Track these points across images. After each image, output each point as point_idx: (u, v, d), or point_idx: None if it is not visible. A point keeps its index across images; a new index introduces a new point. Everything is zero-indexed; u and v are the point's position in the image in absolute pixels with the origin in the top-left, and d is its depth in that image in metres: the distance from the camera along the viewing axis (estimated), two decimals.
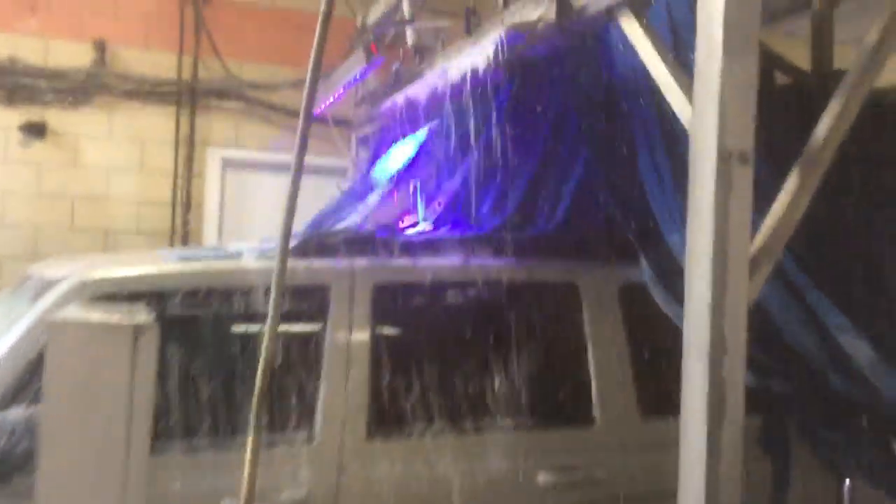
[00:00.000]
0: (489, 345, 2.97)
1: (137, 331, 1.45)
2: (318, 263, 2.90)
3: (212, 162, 6.77)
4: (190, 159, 6.67)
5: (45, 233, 6.32)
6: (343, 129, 5.70)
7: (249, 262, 2.90)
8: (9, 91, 6.25)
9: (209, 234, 6.70)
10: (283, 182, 6.94)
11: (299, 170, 1.88)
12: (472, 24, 3.34)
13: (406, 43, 4.08)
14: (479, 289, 3.03)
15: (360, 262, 2.96)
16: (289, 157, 7.01)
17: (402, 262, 3.04)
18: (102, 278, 2.70)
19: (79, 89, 6.41)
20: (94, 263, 3.02)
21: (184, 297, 2.69)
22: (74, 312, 1.55)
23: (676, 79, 2.33)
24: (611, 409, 3.06)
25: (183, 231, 6.64)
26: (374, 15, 4.92)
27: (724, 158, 2.07)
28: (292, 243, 2.59)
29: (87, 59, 6.42)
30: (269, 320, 2.12)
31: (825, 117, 2.28)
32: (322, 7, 1.85)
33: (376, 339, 2.87)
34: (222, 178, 6.83)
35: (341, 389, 2.77)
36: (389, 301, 2.95)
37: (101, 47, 6.42)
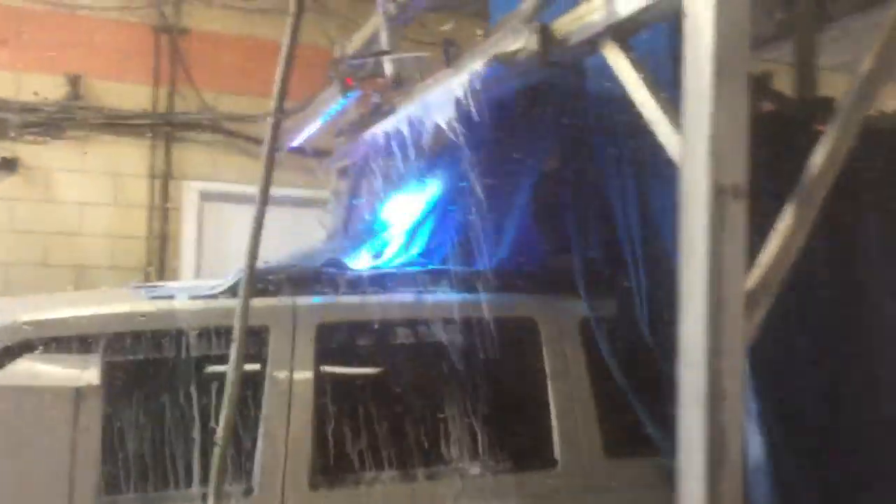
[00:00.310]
0: (442, 385, 2.80)
1: (80, 394, 1.33)
2: (257, 303, 2.67)
3: (188, 195, 6.64)
4: (166, 193, 6.54)
5: (17, 270, 6.16)
6: (323, 161, 5.58)
7: (180, 303, 2.72)
8: None
9: (186, 269, 6.56)
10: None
11: (264, 204, 1.77)
12: (451, 56, 3.25)
13: (385, 74, 3.99)
14: (431, 326, 2.86)
15: (303, 301, 2.79)
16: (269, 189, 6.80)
17: (350, 299, 2.87)
18: (28, 321, 2.52)
19: (51, 123, 6.29)
20: (29, 304, 2.86)
21: (109, 342, 2.49)
22: (11, 375, 1.43)
23: (664, 110, 2.24)
24: (574, 450, 2.88)
25: (159, 266, 6.50)
26: (353, 45, 4.84)
27: (718, 193, 1.97)
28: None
29: (61, 92, 6.31)
30: (231, 364, 1.97)
31: (820, 149, 2.20)
32: (285, 41, 1.73)
33: (320, 382, 2.68)
34: (200, 212, 6.71)
35: (281, 437, 2.58)
36: (335, 341, 2.78)
37: (74, 80, 6.31)
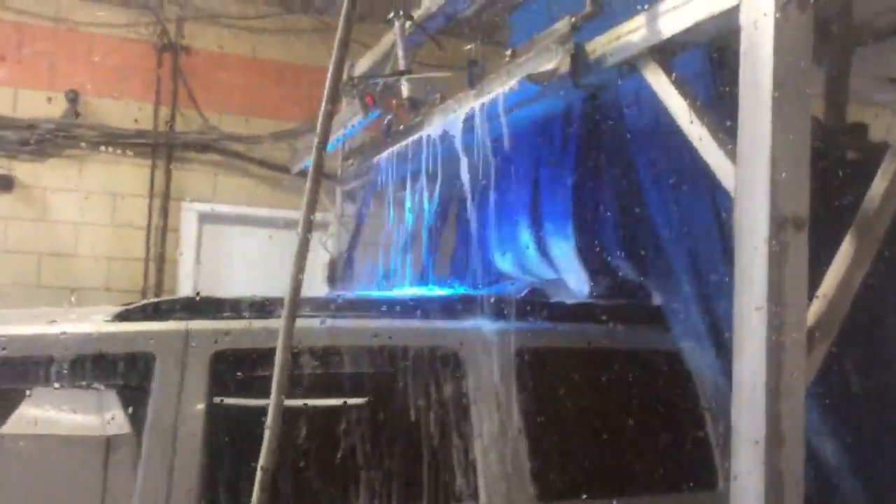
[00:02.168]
0: (353, 419, 2.53)
1: (112, 443, 1.18)
2: (143, 328, 2.46)
3: (188, 216, 6.49)
4: (165, 214, 6.39)
5: (10, 290, 5.98)
6: (328, 183, 5.45)
7: (62, 327, 2.46)
8: None
9: (184, 292, 6.39)
10: (262, 236, 6.66)
11: (308, 226, 1.63)
12: (475, 76, 3.14)
13: (399, 95, 3.88)
14: (340, 354, 2.61)
15: (197, 326, 2.53)
16: (267, 211, 6.70)
17: (252, 325, 2.60)
18: None
19: (48, 141, 6.13)
20: None
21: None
22: (33, 420, 1.27)
23: (714, 135, 2.12)
24: (500, 491, 2.61)
25: (156, 288, 6.33)
26: (363, 65, 4.74)
27: (779, 224, 1.86)
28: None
29: (59, 109, 6.16)
30: (273, 391, 1.79)
31: (877, 182, 2.09)
32: (333, 57, 1.61)
33: (212, 416, 2.41)
34: (199, 233, 6.55)
35: (164, 475, 2.28)
36: (232, 370, 2.51)
37: (73, 97, 6.16)
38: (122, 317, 2.49)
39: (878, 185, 2.07)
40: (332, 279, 5.37)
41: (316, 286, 5.37)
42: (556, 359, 2.80)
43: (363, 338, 2.62)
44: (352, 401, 2.51)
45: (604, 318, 2.90)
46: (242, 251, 6.55)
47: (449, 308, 2.84)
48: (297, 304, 1.60)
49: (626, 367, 2.86)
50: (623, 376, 2.84)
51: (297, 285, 1.56)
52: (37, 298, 5.99)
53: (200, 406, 2.39)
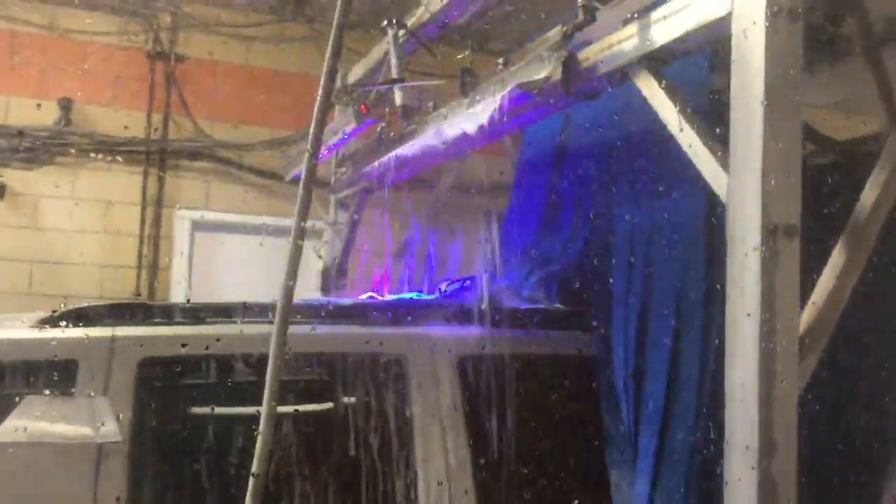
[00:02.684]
0: (286, 431, 2.43)
1: (103, 450, 1.16)
2: (66, 335, 2.37)
3: (180, 224, 6.47)
4: (157, 221, 6.37)
5: (1, 299, 5.95)
6: (321, 191, 5.45)
7: None
8: None
9: (176, 299, 6.37)
10: (255, 244, 6.64)
11: (301, 231, 1.62)
12: (467, 84, 3.15)
13: (392, 103, 3.88)
14: (250, 361, 2.48)
15: (124, 332, 2.43)
16: (260, 219, 6.69)
17: (181, 331, 2.50)
18: None
19: (41, 148, 6.11)
20: None
21: None
22: (26, 427, 1.26)
23: (706, 143, 2.12)
24: (440, 498, 2.53)
25: (148, 296, 6.31)
26: (356, 73, 4.74)
27: (770, 233, 1.86)
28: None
29: (51, 117, 6.14)
30: (265, 398, 1.77)
31: (868, 189, 2.09)
32: (325, 66, 1.61)
33: (139, 424, 2.30)
34: (191, 241, 6.54)
35: (90, 482, 2.15)
36: (160, 378, 2.42)
37: (65, 105, 6.15)
38: (46, 323, 2.41)
39: (869, 193, 2.08)
40: (325, 287, 5.36)
41: (308, 294, 5.36)
42: (488, 364, 2.72)
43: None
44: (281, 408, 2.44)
45: (537, 323, 2.86)
46: (235, 258, 6.53)
47: (377, 314, 2.76)
48: (289, 311, 1.59)
49: (561, 373, 2.83)
50: (556, 382, 2.80)
51: (288, 292, 1.56)
52: (28, 306, 5.97)
53: (126, 414, 2.29)
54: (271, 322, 2.46)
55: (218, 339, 2.46)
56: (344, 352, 2.58)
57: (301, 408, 2.48)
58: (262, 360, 2.29)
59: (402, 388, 2.60)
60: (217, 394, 2.48)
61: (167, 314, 2.53)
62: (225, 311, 2.58)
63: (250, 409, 2.35)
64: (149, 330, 2.47)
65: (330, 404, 2.55)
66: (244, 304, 2.58)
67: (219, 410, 2.44)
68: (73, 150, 6.17)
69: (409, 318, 2.77)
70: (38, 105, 6.12)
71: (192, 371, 2.45)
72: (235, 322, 2.55)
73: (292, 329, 2.38)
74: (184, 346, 2.44)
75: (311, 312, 2.65)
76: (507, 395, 2.65)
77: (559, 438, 2.76)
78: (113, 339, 2.39)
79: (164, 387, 2.42)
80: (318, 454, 2.45)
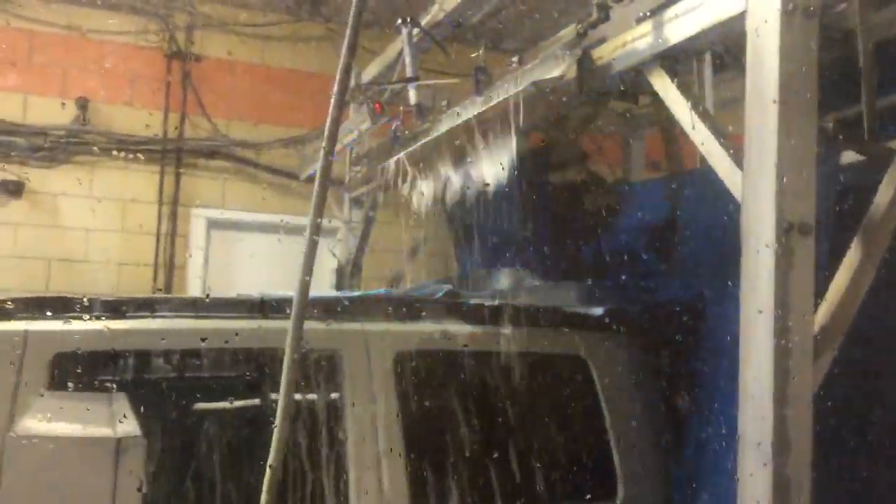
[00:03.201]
0: (209, 428, 2.35)
1: (122, 445, 1.19)
2: None
3: (196, 222, 6.52)
4: (174, 220, 6.42)
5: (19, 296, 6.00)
6: (335, 189, 5.47)
7: None
8: None
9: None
10: (270, 242, 6.68)
11: (316, 227, 1.64)
12: (481, 83, 3.15)
13: (406, 102, 3.89)
14: (199, 357, 2.41)
15: (37, 327, 2.33)
16: (275, 217, 6.70)
17: (99, 326, 2.39)
18: None
19: (59, 147, 6.17)
20: None
21: None
22: (45, 422, 1.28)
23: (720, 141, 2.12)
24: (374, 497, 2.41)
25: (165, 293, 6.36)
26: (371, 72, 4.76)
27: (784, 230, 1.86)
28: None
29: (69, 116, 6.20)
30: (282, 391, 1.77)
31: (884, 185, 2.09)
32: (340, 64, 1.62)
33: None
34: (207, 239, 6.58)
35: None
36: (75, 373, 2.30)
37: (83, 104, 6.20)
38: None
39: (885, 191, 2.07)
40: (339, 285, 5.38)
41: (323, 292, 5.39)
42: (430, 360, 2.61)
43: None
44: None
45: (495, 319, 2.73)
46: (250, 256, 6.57)
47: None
48: (305, 306, 1.61)
49: (511, 370, 2.65)
50: (506, 379, 2.64)
51: (305, 288, 1.57)
52: None
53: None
54: (188, 316, 2.47)
55: (132, 335, 2.37)
56: (274, 347, 2.34)
57: (227, 405, 2.40)
58: (176, 354, 2.36)
59: (335, 385, 2.47)
60: (144, 390, 2.36)
61: (88, 308, 2.41)
62: (145, 306, 2.48)
63: (166, 403, 2.33)
64: (64, 325, 2.37)
65: (256, 401, 2.43)
66: (166, 299, 2.57)
67: (142, 408, 2.28)
68: (90, 149, 6.22)
69: (345, 313, 2.62)
70: (58, 104, 6.18)
71: (108, 366, 2.35)
72: (154, 317, 2.46)
73: (221, 324, 2.42)
74: (98, 341, 2.35)
75: (247, 308, 2.54)
76: (450, 394, 2.57)
77: (504, 438, 2.60)
78: (26, 334, 2.31)
79: (79, 382, 2.30)
80: (241, 454, 2.35)
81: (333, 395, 2.48)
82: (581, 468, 2.68)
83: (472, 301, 2.95)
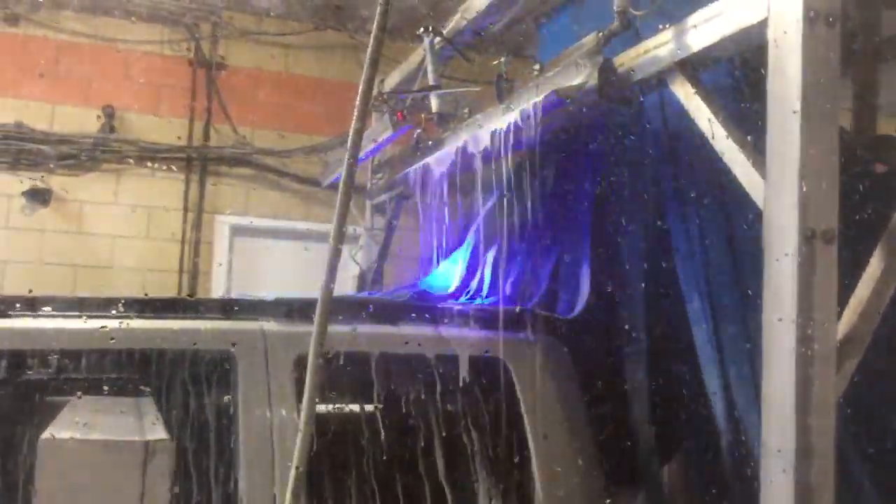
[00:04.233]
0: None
1: (150, 449, 1.21)
2: None
3: (220, 229, 6.59)
4: (199, 227, 6.49)
5: None
6: (357, 197, 5.51)
7: None
8: (13, 157, 6.10)
9: None
10: (293, 249, 6.73)
11: (340, 235, 1.66)
12: (503, 91, 3.17)
13: (428, 110, 3.91)
14: (79, 356, 2.31)
15: None
16: (299, 224, 6.74)
17: (17, 324, 2.33)
18: None
19: (85, 155, 6.26)
20: None
21: None
22: (70, 427, 1.31)
23: (742, 148, 2.12)
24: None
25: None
26: (393, 80, 4.79)
27: (807, 238, 1.85)
28: None
29: (95, 124, 6.29)
30: (305, 394, 1.78)
31: None
32: (364, 75, 1.65)
33: None
34: (231, 246, 6.65)
35: None
36: None
37: (109, 113, 6.29)
38: None
39: None
40: (361, 291, 5.41)
41: None
42: (338, 363, 2.45)
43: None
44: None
45: (408, 319, 2.62)
46: (274, 263, 6.63)
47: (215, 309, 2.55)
48: (328, 312, 1.63)
49: (423, 371, 2.54)
50: (419, 381, 2.54)
51: (327, 294, 1.59)
52: None
53: None
54: (85, 316, 2.35)
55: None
56: (162, 348, 2.33)
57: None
58: (64, 354, 2.26)
59: (228, 389, 2.35)
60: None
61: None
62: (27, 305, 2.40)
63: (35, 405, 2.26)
64: None
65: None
66: (49, 298, 2.42)
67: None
68: (117, 158, 6.31)
69: (241, 312, 2.51)
70: (85, 113, 6.27)
71: (25, 364, 2.31)
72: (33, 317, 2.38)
73: (108, 323, 2.29)
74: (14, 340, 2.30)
75: (135, 307, 2.43)
76: (357, 399, 2.47)
77: (415, 443, 2.49)
78: None
79: None
80: None
81: (225, 400, 2.36)
82: (498, 472, 2.59)
83: (390, 301, 2.87)
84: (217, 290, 6.51)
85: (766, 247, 1.94)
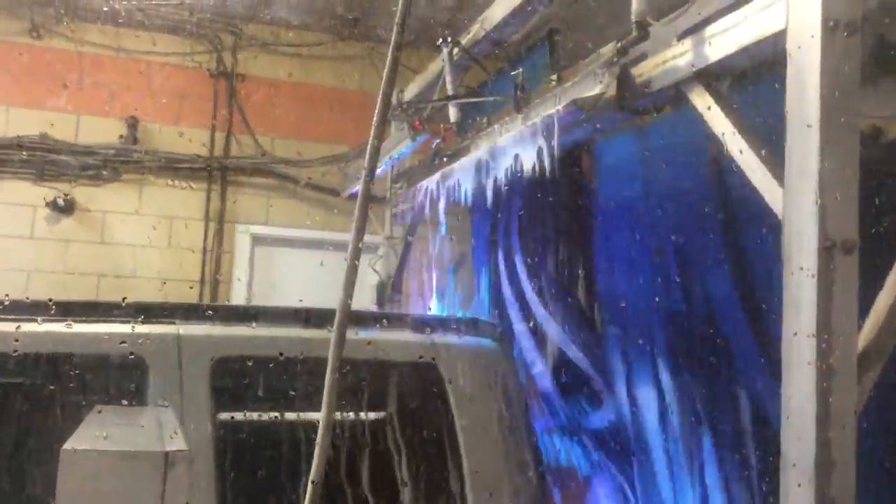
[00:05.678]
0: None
1: (170, 459, 1.22)
2: None
3: (241, 239, 6.63)
4: (220, 236, 6.53)
5: None
6: (376, 207, 5.53)
7: None
8: (38, 167, 6.18)
9: None
10: (313, 258, 6.74)
11: (357, 251, 1.67)
12: (520, 101, 3.17)
13: (447, 119, 3.93)
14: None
15: None
16: (318, 234, 6.76)
17: None
18: None
19: (108, 166, 6.33)
20: None
21: None
22: (90, 437, 1.32)
23: (761, 157, 2.11)
24: None
25: None
26: (412, 90, 4.81)
27: (827, 248, 1.84)
28: None
29: (118, 135, 6.36)
30: (323, 409, 1.78)
31: None
32: (382, 87, 1.66)
33: None
34: (251, 255, 6.68)
35: None
36: None
37: (132, 124, 6.36)
38: None
39: None
40: (380, 300, 5.43)
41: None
42: (256, 367, 2.39)
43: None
44: None
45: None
46: (294, 272, 6.65)
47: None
48: (346, 325, 1.63)
49: (347, 376, 2.32)
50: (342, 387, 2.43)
51: (345, 307, 1.60)
52: None
53: None
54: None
55: None
56: (69, 352, 2.27)
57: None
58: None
59: (139, 395, 2.27)
60: None
61: None
62: None
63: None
64: None
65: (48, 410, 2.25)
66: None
67: None
68: (139, 168, 6.37)
69: (157, 316, 2.42)
70: (108, 124, 6.34)
71: None
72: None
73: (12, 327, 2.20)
74: None
75: (39, 310, 2.35)
76: (276, 405, 2.40)
77: (338, 450, 2.39)
78: None
79: None
80: (24, 470, 2.20)
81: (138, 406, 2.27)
82: (427, 477, 2.47)
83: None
84: (237, 299, 6.54)
85: (786, 258, 1.93)
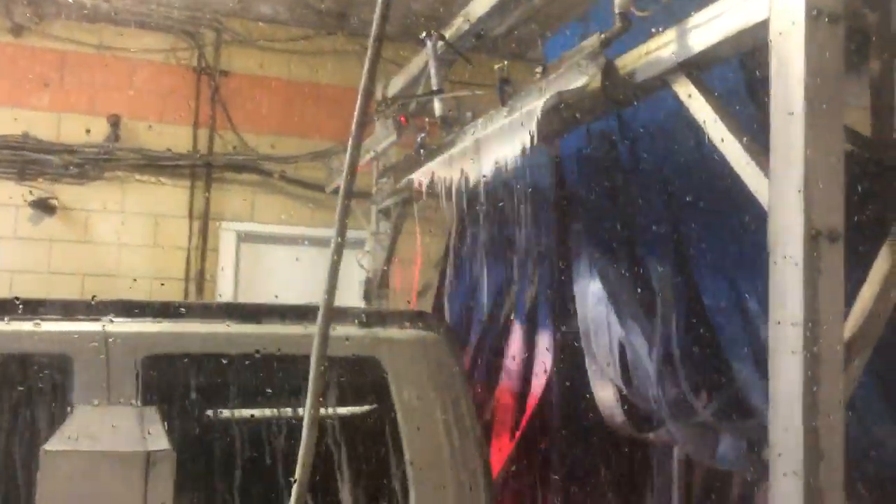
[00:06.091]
0: None
1: (151, 459, 1.20)
2: None
3: (226, 236, 6.59)
4: (204, 234, 6.50)
5: None
6: (362, 202, 5.51)
7: None
8: (20, 167, 6.12)
9: None
10: (299, 254, 6.72)
11: (339, 248, 1.65)
12: (505, 94, 3.16)
13: (432, 114, 3.91)
14: None
15: None
16: (303, 230, 6.74)
17: None
18: None
19: (91, 164, 6.28)
20: None
21: None
22: (71, 438, 1.30)
23: (747, 148, 2.11)
24: None
25: None
26: (396, 85, 4.79)
27: (812, 237, 1.84)
28: None
29: (100, 133, 6.31)
30: (307, 407, 1.77)
31: None
32: (362, 82, 1.64)
33: None
34: (237, 252, 6.65)
35: None
36: None
37: (114, 122, 6.31)
38: None
39: None
40: (367, 296, 5.41)
41: (351, 303, 5.41)
42: (188, 365, 2.35)
43: None
44: None
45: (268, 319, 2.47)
46: (279, 269, 6.63)
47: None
48: (329, 323, 1.62)
49: (284, 373, 2.42)
50: (279, 383, 2.42)
51: (328, 306, 1.59)
52: None
53: None
54: None
55: None
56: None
57: None
58: None
59: (64, 394, 2.20)
60: None
61: None
62: None
63: None
64: None
65: None
66: None
67: None
68: (122, 166, 6.32)
69: (82, 313, 2.36)
70: (90, 122, 6.29)
71: None
72: None
73: None
74: None
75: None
76: (209, 404, 2.34)
77: (276, 450, 2.34)
78: None
79: None
80: None
81: (62, 407, 2.20)
82: (369, 475, 2.44)
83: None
84: (223, 296, 6.51)
85: (771, 248, 1.93)
